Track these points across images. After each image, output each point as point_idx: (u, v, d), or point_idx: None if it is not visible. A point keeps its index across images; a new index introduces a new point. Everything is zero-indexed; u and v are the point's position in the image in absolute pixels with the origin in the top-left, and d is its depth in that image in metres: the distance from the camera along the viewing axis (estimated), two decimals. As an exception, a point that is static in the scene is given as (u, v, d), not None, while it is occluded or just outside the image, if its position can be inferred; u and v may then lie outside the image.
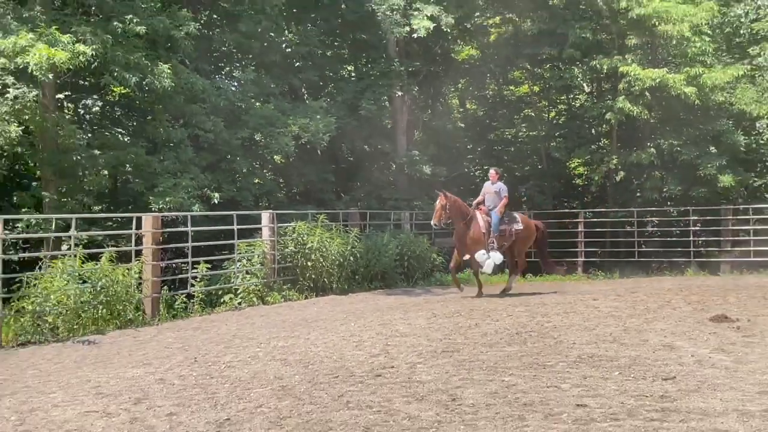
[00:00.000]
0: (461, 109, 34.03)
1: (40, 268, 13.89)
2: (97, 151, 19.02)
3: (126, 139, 20.87)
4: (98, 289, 13.19)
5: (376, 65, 26.54)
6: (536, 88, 30.52)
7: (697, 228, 25.53)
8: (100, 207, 20.45)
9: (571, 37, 25.56)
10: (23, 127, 17.18)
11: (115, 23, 17.88)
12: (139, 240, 14.77)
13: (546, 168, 29.12)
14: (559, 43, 26.46)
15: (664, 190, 26.64)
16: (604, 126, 27.63)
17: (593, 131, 29.36)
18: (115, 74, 17.58)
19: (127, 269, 14.03)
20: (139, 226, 14.79)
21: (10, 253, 16.72)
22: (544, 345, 9.86)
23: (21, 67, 15.88)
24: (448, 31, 25.23)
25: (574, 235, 25.89)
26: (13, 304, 12.41)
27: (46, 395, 8.09)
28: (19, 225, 17.09)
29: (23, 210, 18.42)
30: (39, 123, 17.54)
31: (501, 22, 30.21)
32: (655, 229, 27.84)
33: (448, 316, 12.79)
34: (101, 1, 18.31)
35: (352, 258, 19.16)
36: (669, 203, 26.97)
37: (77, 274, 13.20)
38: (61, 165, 18.49)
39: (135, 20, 17.82)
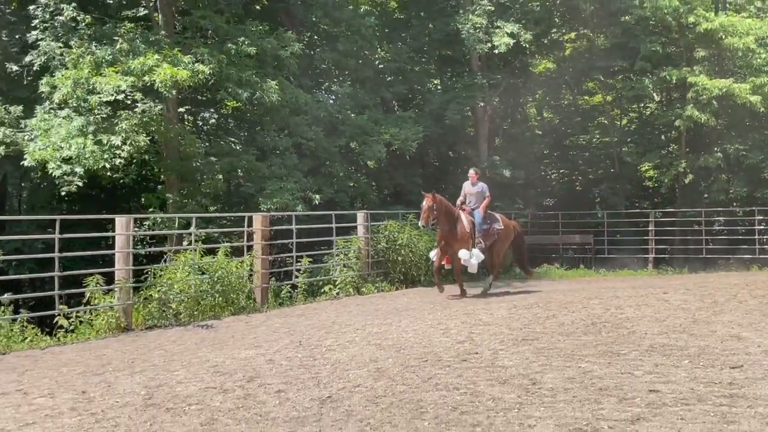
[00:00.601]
0: (538, 118, 33.64)
1: (164, 261, 14.33)
2: (213, 158, 19.51)
3: (238, 148, 21.33)
4: (215, 279, 13.51)
5: (460, 78, 26.47)
6: (609, 98, 29.94)
7: (762, 227, 24.68)
8: (216, 207, 20.97)
9: (642, 50, 25.08)
10: (150, 137, 17.74)
11: (229, 45, 18.28)
12: (250, 236, 15.07)
13: (618, 171, 28.56)
14: (631, 56, 25.97)
15: (730, 191, 25.94)
16: (673, 132, 27.08)
17: (663, 137, 28.70)
18: (229, 90, 17.97)
19: (240, 262, 14.32)
20: (250, 224, 15.08)
21: (139, 247, 17.28)
22: (617, 335, 9.70)
23: (148, 84, 16.39)
24: (527, 46, 24.98)
25: (645, 234, 25.39)
26: (141, 292, 12.81)
27: (170, 373, 8.32)
28: (147, 223, 17.65)
29: (150, 210, 19.02)
30: (164, 133, 18.08)
31: (576, 38, 29.89)
32: (722, 228, 27.12)
33: (527, 307, 12.69)
34: (217, 26, 18.73)
35: (438, 253, 19.18)
36: (735, 204, 26.22)
37: (197, 266, 13.54)
38: (183, 170, 19.03)
39: (246, 42, 18.19)
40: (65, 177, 16.85)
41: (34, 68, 18.60)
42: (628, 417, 6.02)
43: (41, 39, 18.20)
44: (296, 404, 6.71)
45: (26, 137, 17.34)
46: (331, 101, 25.09)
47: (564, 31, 29.64)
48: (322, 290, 16.44)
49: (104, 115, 17.25)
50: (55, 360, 9.46)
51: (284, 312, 13.84)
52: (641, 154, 27.35)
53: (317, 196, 20.11)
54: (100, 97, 16.42)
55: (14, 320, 11.21)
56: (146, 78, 16.15)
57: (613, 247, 25.46)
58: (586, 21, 28.33)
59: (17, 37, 20.84)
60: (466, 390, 7.02)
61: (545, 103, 32.43)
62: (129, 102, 17.94)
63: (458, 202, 15.72)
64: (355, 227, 17.96)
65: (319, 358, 8.84)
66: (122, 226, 12.18)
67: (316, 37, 25.63)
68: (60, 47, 17.69)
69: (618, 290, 15.36)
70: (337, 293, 16.31)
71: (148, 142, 17.58)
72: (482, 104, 26.24)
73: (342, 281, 16.69)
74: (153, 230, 17.81)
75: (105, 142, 16.49)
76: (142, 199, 19.84)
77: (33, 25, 18.69)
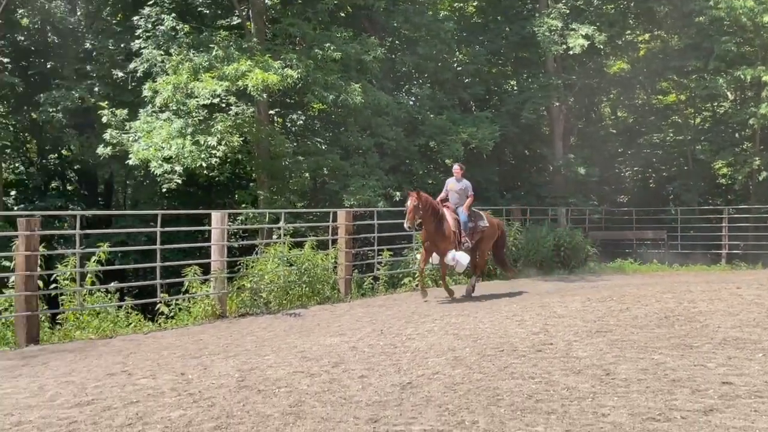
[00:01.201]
0: (613, 117, 32.93)
1: (256, 253, 14.61)
2: (300, 157, 19.76)
3: (324, 147, 21.56)
4: (302, 271, 13.71)
5: (535, 79, 26.14)
6: (683, 97, 29.08)
7: (837, 223, 23.64)
8: (302, 203, 21.26)
9: (716, 50, 24.23)
10: (243, 138, 18.11)
11: (315, 50, 18.49)
12: (334, 231, 15.22)
13: (692, 169, 27.71)
14: (705, 56, 25.13)
15: (805, 188, 24.90)
16: (747, 130, 26.17)
17: (737, 135, 27.71)
18: (316, 93, 18.17)
19: (325, 255, 14.49)
20: (334, 219, 15.23)
21: (232, 240, 17.65)
22: (690, 328, 9.45)
23: (241, 88, 16.73)
24: (601, 47, 24.49)
25: (718, 230, 24.63)
26: (235, 282, 13.10)
27: (261, 357, 8.48)
28: (240, 218, 18.03)
29: (242, 206, 19.43)
30: (255, 134, 18.42)
31: (650, 39, 29.13)
32: (796, 224, 26.02)
33: (600, 300, 12.47)
34: (305, 33, 18.96)
35: (514, 248, 19.01)
36: (810, 200, 25.16)
37: (285, 258, 13.77)
38: (273, 169, 19.36)
39: (332, 47, 18.36)
40: (166, 175, 17.38)
41: (138, 74, 19.19)
42: (700, 408, 5.86)
43: (144, 47, 18.77)
44: (378, 389, 6.76)
45: (131, 138, 17.91)
46: (411, 103, 25.10)
47: (638, 32, 28.93)
48: (402, 282, 16.48)
49: (201, 118, 17.71)
50: (156, 344, 9.75)
51: (366, 302, 13.95)
52: (715, 151, 26.46)
53: (398, 193, 20.19)
54: (197, 101, 16.86)
55: (120, 307, 11.62)
56: (239, 82, 16.48)
57: (687, 243, 24.77)
58: (660, 22, 27.56)
59: (122, 45, 21.52)
60: (540, 379, 6.95)
61: (619, 103, 31.70)
62: (224, 105, 18.36)
63: (439, 198, 14.21)
64: (434, 222, 17.87)
65: (399, 346, 8.88)
66: (218, 220, 12.47)
67: (397, 41, 25.67)
68: (161, 55, 18.21)
69: (691, 285, 14.94)
70: (417, 285, 16.32)
71: (241, 143, 17.96)
72: (557, 104, 25.86)
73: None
74: (245, 224, 18.18)
75: (202, 142, 16.91)
76: (236, 196, 20.27)
77: (137, 34, 19.29)
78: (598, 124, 30.86)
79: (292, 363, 8.04)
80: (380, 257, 16.24)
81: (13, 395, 6.80)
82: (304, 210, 20.00)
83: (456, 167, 14.48)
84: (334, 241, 15.12)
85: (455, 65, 26.16)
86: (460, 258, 13.70)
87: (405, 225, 13.30)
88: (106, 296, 11.67)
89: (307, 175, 20.02)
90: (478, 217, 14.43)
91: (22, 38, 24.07)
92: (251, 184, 21.17)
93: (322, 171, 20.82)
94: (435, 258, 13.87)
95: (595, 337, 9.06)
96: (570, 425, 5.57)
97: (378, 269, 16.13)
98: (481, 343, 8.88)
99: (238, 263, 13.73)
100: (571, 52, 23.59)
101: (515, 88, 28.35)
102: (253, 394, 6.65)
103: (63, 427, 5.69)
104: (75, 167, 25.60)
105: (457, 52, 26.17)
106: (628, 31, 28.22)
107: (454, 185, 14.29)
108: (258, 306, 12.90)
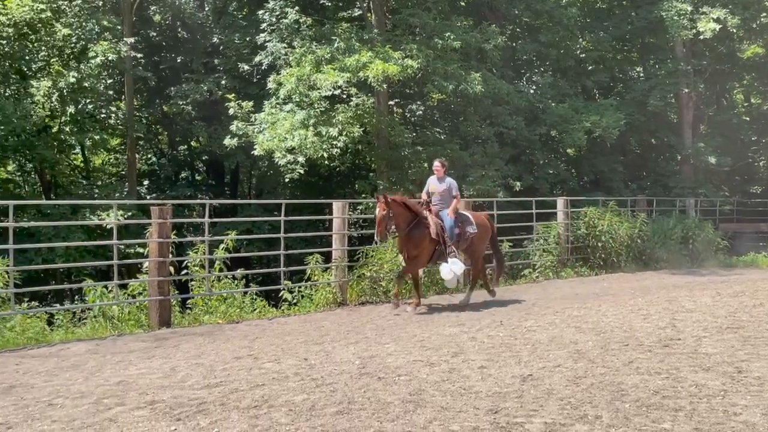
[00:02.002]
0: (746, 104, 31.32)
1: (375, 242, 14.76)
2: (419, 147, 19.85)
3: (442, 137, 21.56)
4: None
5: (663, 65, 25.16)
6: (823, 82, 27.36)
7: None
8: (421, 193, 21.28)
9: None
10: (363, 129, 18.32)
11: (435, 40, 18.49)
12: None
13: (834, 158, 26.06)
14: None
15: None
16: None
17: None
18: (435, 83, 18.19)
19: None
20: (453, 209, 15.17)
21: (352, 230, 17.90)
22: (831, 327, 8.89)
23: (362, 79, 16.93)
24: (734, 31, 23.32)
25: None
26: (355, 270, 13.30)
27: (381, 345, 8.57)
28: (360, 207, 18.27)
29: (362, 195, 19.67)
30: (375, 125, 18.62)
31: (788, 20, 27.44)
32: None
33: (732, 295, 11.91)
34: (425, 23, 18.98)
35: (639, 240, 18.41)
36: None
37: (404, 248, 13.84)
38: (392, 159, 19.53)
39: (452, 37, 18.31)
40: (289, 165, 17.83)
41: (263, 67, 19.76)
42: None
43: (269, 41, 19.29)
44: (498, 380, 6.71)
45: (256, 130, 18.46)
46: (532, 91, 24.73)
47: (775, 14, 27.32)
48: (522, 273, 16.29)
49: (323, 109, 18.04)
50: (280, 329, 10.03)
51: (485, 293, 13.84)
52: None
53: (518, 183, 19.96)
54: (319, 92, 17.21)
55: (245, 293, 12.02)
56: (360, 74, 16.69)
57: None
58: (800, 2, 25.95)
59: (248, 39, 22.19)
60: (667, 375, 6.71)
61: (753, 89, 30.11)
62: (344, 96, 18.66)
63: (421, 200, 12.16)
64: (555, 213, 17.60)
65: (519, 338, 8.78)
66: (339, 210, 12.70)
67: (518, 29, 25.33)
68: (285, 47, 18.68)
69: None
70: (537, 277, 16.10)
71: (361, 133, 18.19)
72: (686, 91, 24.82)
73: (541, 265, 16.48)
74: (365, 214, 18.41)
75: (324, 133, 17.25)
76: (356, 186, 20.55)
77: (262, 28, 19.84)
78: (730, 111, 29.42)
79: (412, 352, 8.08)
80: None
81: (147, 375, 7.16)
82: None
83: (436, 164, 12.18)
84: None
85: (578, 52, 25.56)
86: (455, 269, 11.63)
87: (375, 239, 11.76)
88: (233, 282, 12.10)
89: (425, 165, 20.06)
90: (466, 220, 12.11)
91: (154, 34, 25.23)
92: (371, 174, 21.41)
93: (441, 161, 20.86)
94: (444, 271, 11.80)
95: (726, 333, 8.67)
96: (699, 423, 5.36)
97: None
98: (605, 337, 8.66)
99: (358, 252, 13.92)
100: (701, 37, 22.58)
101: (641, 74, 27.43)
102: (373, 381, 6.74)
103: (193, 408, 5.94)
104: (203, 158, 26.66)
105: (581, 39, 25.56)
106: (764, 14, 26.69)
107: (436, 186, 12.00)
108: (377, 294, 13.04)
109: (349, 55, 17.04)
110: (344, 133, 17.42)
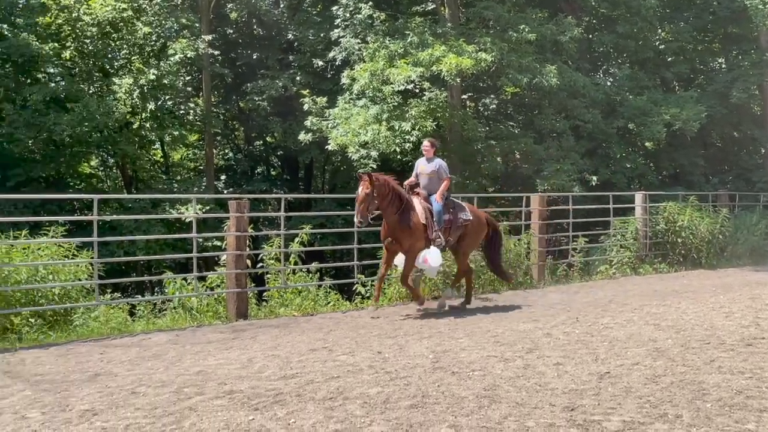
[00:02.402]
0: (836, 95, 29.99)
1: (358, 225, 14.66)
2: (493, 142, 19.72)
3: (516, 131, 21.36)
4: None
5: (746, 56, 24.31)
6: None
7: None
8: (494, 188, 21.18)
9: None
10: (435, 123, 18.30)
11: (510, 33, 18.32)
12: (527, 216, 15.03)
13: None
14: None
15: None
16: None
17: None
18: (510, 76, 18.02)
19: (518, 240, 14.36)
20: (527, 204, 15.04)
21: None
22: None
23: (435, 73, 16.91)
24: (823, 18, 22.34)
25: None
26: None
27: (455, 340, 8.56)
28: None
29: (435, 190, 19.63)
30: (448, 119, 18.58)
31: None
32: None
33: (821, 294, 11.48)
34: (499, 15, 18.82)
35: (720, 236, 17.86)
36: None
37: (478, 243, 13.76)
38: (465, 153, 19.45)
39: (527, 29, 18.11)
40: (362, 160, 17.95)
41: (337, 63, 19.91)
42: None
43: (342, 36, 19.45)
44: (574, 377, 6.63)
45: (329, 125, 18.63)
46: (609, 83, 24.22)
47: None
48: (598, 269, 16.00)
49: (395, 104, 18.07)
50: (354, 322, 10.12)
51: (560, 289, 13.69)
52: None
53: (594, 177, 19.62)
54: (392, 87, 17.26)
55: (319, 286, 12.15)
56: (433, 68, 16.68)
57: None
58: None
59: (322, 35, 22.39)
60: (751, 375, 6.52)
61: None
62: (417, 91, 18.65)
63: (406, 184, 11.02)
64: (633, 208, 17.23)
65: (596, 335, 8.65)
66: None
67: (594, 20, 24.85)
68: (358, 43, 18.81)
69: None
70: (613, 273, 15.80)
71: (434, 127, 18.16)
72: (772, 82, 23.93)
73: (618, 261, 16.16)
74: (437, 209, 18.39)
75: (397, 127, 17.29)
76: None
77: (335, 24, 20.01)
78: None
79: (486, 347, 8.05)
80: (575, 243, 15.84)
81: (225, 366, 7.32)
82: (496, 194, 19.93)
83: (425, 143, 11.23)
84: (527, 227, 14.93)
85: (657, 43, 24.92)
86: (431, 258, 10.61)
87: (355, 220, 10.18)
88: (308, 276, 12.25)
89: (499, 159, 19.95)
90: (458, 207, 11.14)
91: (231, 31, 25.71)
92: (444, 168, 21.37)
93: (514, 155, 20.67)
94: (400, 260, 10.86)
95: (815, 333, 8.36)
96: (786, 426, 5.19)
97: (572, 256, 15.74)
98: (685, 335, 8.46)
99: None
100: (788, 25, 21.73)
101: (723, 65, 26.53)
102: (447, 376, 6.74)
103: (270, 398, 6.05)
104: (278, 153, 27.06)
105: (660, 30, 24.89)
106: None
107: (424, 167, 11.04)
108: (452, 288, 13.00)
109: (423, 50, 17.03)
110: (417, 127, 17.42)
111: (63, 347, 8.46)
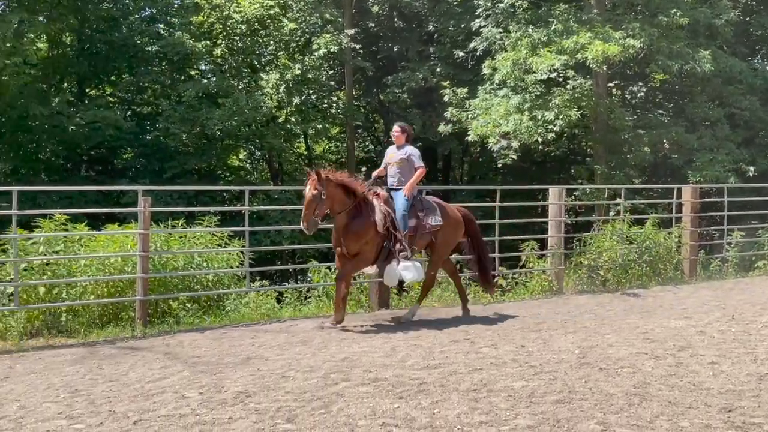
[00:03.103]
0: None
1: (593, 230, 14.37)
2: (641, 131, 19.07)
3: (666, 120, 20.53)
4: (642, 249, 13.21)
5: None
6: None
7: None
8: (641, 179, 20.47)
9: None
10: (580, 112, 17.87)
11: (660, 17, 17.63)
12: (678, 208, 14.42)
13: None
14: None
15: None
16: None
17: None
18: (659, 62, 17.38)
19: (668, 234, 13.81)
20: (678, 196, 14.42)
21: (568, 216, 17.56)
22: None
23: (580, 61, 16.52)
24: None
25: None
26: (572, 258, 13.02)
27: (601, 336, 8.33)
28: (575, 193, 17.87)
29: (578, 181, 19.22)
30: (593, 108, 18.11)
31: None
32: None
33: None
34: (648, 0, 18.16)
35: None
36: None
37: (625, 236, 13.36)
38: (611, 143, 18.92)
39: (678, 13, 17.37)
40: (502, 151, 17.80)
41: (477, 53, 19.80)
42: None
43: (484, 26, 19.32)
44: (731, 377, 6.32)
45: (470, 116, 18.57)
46: (768, 68, 22.85)
47: None
48: (756, 265, 15.12)
49: (538, 93, 17.78)
50: (495, 315, 10.06)
51: (713, 285, 13.06)
52: None
53: (751, 168, 18.55)
54: (535, 76, 17.00)
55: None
56: (578, 55, 16.32)
57: None
58: None
59: (462, 26, 22.30)
60: None
61: None
62: (560, 79, 18.27)
63: (374, 174, 9.73)
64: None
65: (754, 334, 8.20)
66: (555, 195, 12.48)
67: (752, 2, 23.43)
68: (500, 32, 18.63)
69: None
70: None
71: (579, 116, 17.74)
72: None
73: (779, 256, 15.21)
74: (581, 200, 17.97)
75: (539, 117, 17.02)
76: (572, 171, 20.12)
77: (476, 14, 19.89)
78: None
79: (634, 344, 7.80)
80: (730, 238, 15.04)
81: (369, 354, 7.46)
82: (644, 186, 19.25)
83: (396, 128, 9.69)
84: (678, 219, 14.32)
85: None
86: (408, 274, 9.03)
87: (302, 226, 8.71)
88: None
89: (647, 149, 19.23)
90: (429, 210, 9.42)
91: (372, 25, 26.05)
92: (587, 158, 20.86)
93: (663, 145, 19.86)
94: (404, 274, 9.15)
95: None
96: None
97: (727, 250, 14.95)
98: None
99: (574, 239, 13.61)
100: None
101: None
102: (594, 372, 6.59)
103: (414, 387, 6.11)
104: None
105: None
106: None
107: (393, 154, 9.52)
108: (595, 284, 12.69)
109: (567, 37, 16.68)
110: (560, 116, 17.08)
111: (217, 331, 8.89)
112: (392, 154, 9.50)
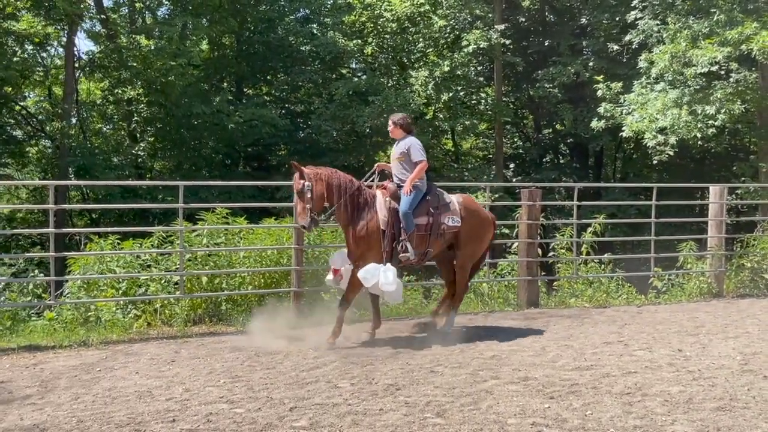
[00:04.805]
0: None
1: (757, 230, 13.57)
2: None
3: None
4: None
5: None
6: None
7: None
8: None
9: None
10: (744, 106, 16.93)
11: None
12: None
13: None
14: None
15: None
16: None
17: None
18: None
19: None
20: None
21: (730, 215, 16.69)
22: None
23: (744, 53, 15.63)
24: None
25: None
26: (733, 260, 12.37)
27: (765, 342, 7.89)
28: (738, 192, 16.95)
29: (741, 179, 18.21)
30: (758, 101, 17.08)
31: None
32: None
33: None
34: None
35: None
36: None
37: (792, 237, 12.55)
38: (778, 139, 17.80)
39: None
40: (658, 147, 17.14)
41: (633, 46, 19.15)
42: None
43: (640, 18, 18.64)
44: None
45: (624, 111, 17.99)
46: None
47: None
48: None
49: (698, 86, 16.98)
50: (650, 317, 9.72)
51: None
52: None
53: None
54: (695, 69, 16.22)
55: (612, 278, 11.80)
56: (743, 47, 15.43)
57: None
58: None
59: (617, 18, 21.62)
60: None
61: None
62: (722, 72, 17.35)
63: (376, 167, 8.67)
64: None
65: None
66: (716, 194, 11.90)
67: None
68: (657, 24, 17.92)
69: None
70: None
71: (743, 110, 16.80)
72: None
73: None
74: (744, 199, 17.03)
75: (699, 112, 16.26)
76: (734, 168, 19.09)
77: (632, 5, 19.22)
78: None
79: (804, 352, 7.35)
80: None
81: (518, 352, 7.41)
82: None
83: (389, 122, 8.58)
84: None
85: None
86: (383, 278, 7.71)
87: (300, 224, 7.99)
88: (600, 267, 11.98)
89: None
90: (442, 204, 8.28)
91: (523, 19, 25.72)
92: (751, 156, 19.72)
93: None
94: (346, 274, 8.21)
95: None
96: None
97: None
98: None
99: (736, 240, 12.91)
100: None
101: None
102: (758, 380, 6.26)
103: (565, 388, 6.03)
104: (567, 141, 26.65)
105: None
106: None
107: (394, 150, 8.45)
108: (758, 287, 12.00)
109: (731, 28, 15.79)
110: (722, 110, 16.21)
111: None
112: (393, 150, 8.46)
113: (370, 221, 7.96)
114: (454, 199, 8.40)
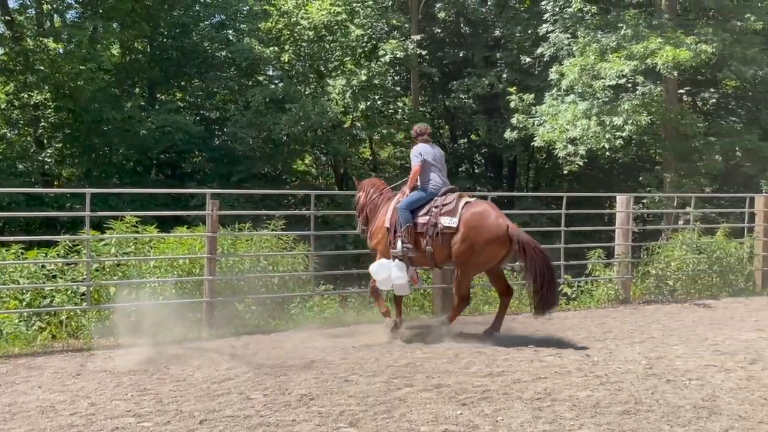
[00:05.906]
0: None
1: (661, 239, 14.06)
2: (712, 138, 18.62)
3: (739, 127, 20.02)
4: (713, 259, 12.89)
5: None
6: None
7: None
8: (712, 187, 19.97)
9: None
10: (649, 118, 17.55)
11: (734, 22, 17.23)
12: (750, 218, 14.02)
13: None
14: None
15: None
16: None
17: None
18: (732, 69, 16.96)
19: (740, 244, 13.43)
20: (751, 206, 14.02)
21: (635, 225, 17.24)
22: None
23: (650, 67, 16.23)
24: None
25: None
26: (639, 268, 12.77)
27: (669, 347, 8.17)
28: (644, 201, 17.53)
29: (647, 189, 18.85)
30: (663, 114, 17.76)
31: None
32: None
33: None
34: (721, 4, 17.76)
35: None
36: None
37: (694, 245, 13.05)
38: (680, 150, 18.55)
39: (753, 18, 16.92)
40: (568, 157, 17.61)
41: (545, 59, 19.64)
42: None
43: (551, 31, 19.15)
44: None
45: (536, 122, 18.43)
46: None
47: None
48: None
49: (606, 99, 17.54)
50: (560, 324, 9.93)
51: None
52: None
53: (831, 178, 17.98)
54: (603, 82, 16.77)
55: (523, 285, 11.93)
56: (648, 61, 16.03)
57: None
58: None
59: (529, 31, 22.15)
60: None
61: None
62: (629, 85, 17.98)
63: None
64: None
65: (831, 349, 7.93)
66: (623, 203, 12.27)
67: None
68: (568, 38, 18.45)
69: None
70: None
71: (648, 122, 17.43)
72: None
73: None
74: (649, 209, 17.63)
75: (607, 123, 16.80)
76: (640, 178, 19.74)
77: (544, 18, 19.73)
78: None
79: (703, 355, 7.63)
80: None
81: (432, 360, 7.46)
82: (715, 195, 18.75)
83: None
84: (750, 229, 13.92)
85: None
86: (374, 271, 8.59)
87: (359, 230, 9.45)
88: (511, 274, 12.15)
89: (718, 157, 18.76)
90: (447, 208, 8.40)
91: (438, 30, 26.08)
92: (656, 166, 20.46)
93: (734, 152, 19.34)
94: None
95: None
96: None
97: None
98: None
99: (641, 248, 13.35)
100: None
101: None
102: (662, 383, 6.47)
103: (478, 394, 6.09)
104: (482, 151, 27.13)
105: None
106: None
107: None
108: (663, 294, 12.42)
109: (637, 43, 16.39)
110: (629, 122, 16.79)
111: (281, 334, 8.98)
112: None
113: (378, 222, 8.88)
114: (461, 203, 8.40)
